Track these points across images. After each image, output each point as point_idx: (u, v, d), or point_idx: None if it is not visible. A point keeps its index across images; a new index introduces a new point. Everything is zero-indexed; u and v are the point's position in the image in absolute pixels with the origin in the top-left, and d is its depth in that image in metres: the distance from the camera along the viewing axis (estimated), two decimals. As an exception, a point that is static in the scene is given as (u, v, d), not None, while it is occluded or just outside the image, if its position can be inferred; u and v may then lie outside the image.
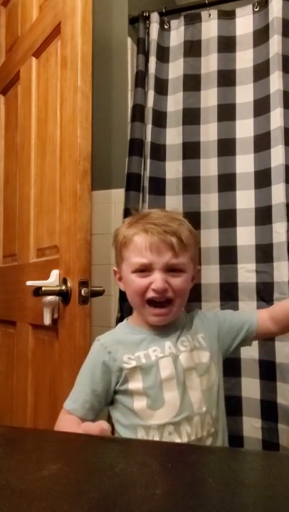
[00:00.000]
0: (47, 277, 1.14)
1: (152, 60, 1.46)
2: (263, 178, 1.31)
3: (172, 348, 0.87)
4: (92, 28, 1.15)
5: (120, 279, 0.94)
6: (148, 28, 1.50)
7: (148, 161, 1.42)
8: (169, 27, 1.52)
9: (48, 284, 1.11)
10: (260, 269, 1.29)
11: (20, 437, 0.66)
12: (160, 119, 1.47)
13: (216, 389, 0.90)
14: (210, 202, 1.38)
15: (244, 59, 1.40)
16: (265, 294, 1.28)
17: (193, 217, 1.03)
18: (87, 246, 1.08)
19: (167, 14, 1.52)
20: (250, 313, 0.99)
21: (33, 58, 1.38)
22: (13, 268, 1.45)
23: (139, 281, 0.85)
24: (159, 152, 1.45)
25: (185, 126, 1.43)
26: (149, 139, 1.43)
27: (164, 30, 1.51)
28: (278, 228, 1.26)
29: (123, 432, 0.86)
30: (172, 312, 0.87)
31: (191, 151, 1.42)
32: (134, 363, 0.85)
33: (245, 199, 1.34)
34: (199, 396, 0.85)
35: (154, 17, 1.49)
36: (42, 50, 1.33)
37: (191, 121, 1.43)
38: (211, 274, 1.34)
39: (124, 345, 0.88)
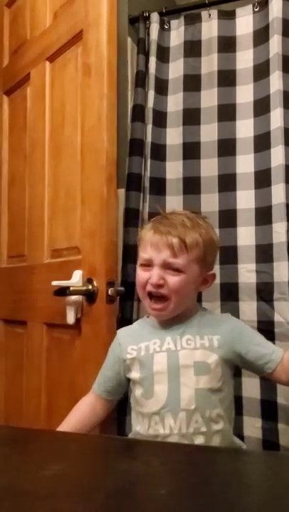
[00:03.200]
0: (63, 277, 1.16)
1: (152, 60, 1.46)
2: (263, 178, 1.31)
3: (171, 344, 0.93)
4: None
5: None
6: (148, 28, 1.49)
7: (148, 161, 1.42)
8: (169, 27, 1.52)
9: (73, 284, 1.13)
10: (261, 269, 1.29)
11: (22, 438, 0.67)
12: (160, 120, 1.47)
13: (220, 392, 0.92)
14: (210, 202, 1.38)
15: (244, 59, 1.40)
16: (265, 294, 1.28)
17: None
18: (114, 248, 1.13)
19: (167, 14, 1.51)
20: (276, 350, 0.96)
21: (47, 62, 1.39)
22: (22, 268, 1.46)
23: (141, 274, 0.95)
24: (159, 152, 1.45)
25: (185, 127, 1.43)
26: (149, 139, 1.43)
27: (164, 30, 1.51)
28: (278, 228, 1.26)
29: (132, 416, 0.99)
30: (168, 308, 0.94)
31: (191, 151, 1.42)
32: (134, 354, 0.95)
33: (245, 199, 1.34)
34: (191, 393, 0.89)
35: (154, 17, 1.48)
36: (57, 56, 1.35)
37: (192, 122, 1.43)
38: (211, 274, 1.34)
39: (131, 337, 0.99)
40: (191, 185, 1.41)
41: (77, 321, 1.16)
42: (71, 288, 1.10)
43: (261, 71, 1.36)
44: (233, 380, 1.01)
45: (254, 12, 1.40)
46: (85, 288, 1.12)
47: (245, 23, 1.41)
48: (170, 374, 0.90)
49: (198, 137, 1.42)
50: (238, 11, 1.43)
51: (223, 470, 0.53)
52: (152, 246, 0.93)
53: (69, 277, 1.16)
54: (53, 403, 1.28)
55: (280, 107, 1.28)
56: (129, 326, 1.07)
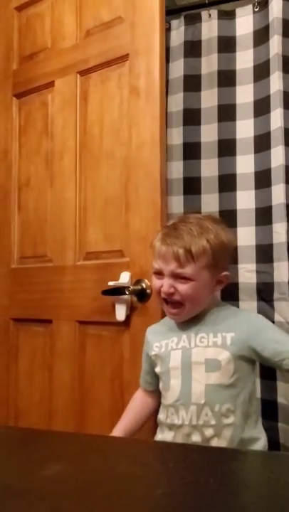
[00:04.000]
0: (101, 278, 1.27)
1: (153, 61, 1.47)
2: (263, 179, 1.32)
3: (186, 342, 1.00)
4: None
5: None
6: (148, 29, 1.50)
7: (149, 161, 1.42)
8: (169, 27, 1.52)
9: (123, 284, 1.22)
10: (261, 269, 1.30)
11: (22, 438, 0.67)
12: (161, 120, 1.47)
13: (232, 387, 0.94)
14: (210, 202, 1.38)
15: (244, 59, 1.40)
16: (265, 294, 1.28)
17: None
18: None
19: (167, 14, 1.50)
20: None
21: (78, 75, 1.45)
22: (44, 269, 1.50)
23: (155, 282, 1.02)
24: (159, 152, 1.45)
25: (185, 127, 1.44)
26: (149, 139, 1.43)
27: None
28: (278, 228, 1.26)
29: (160, 406, 1.05)
30: (184, 313, 1.00)
31: (191, 151, 1.42)
32: (157, 351, 1.04)
33: (245, 199, 1.34)
34: (201, 389, 0.95)
35: (155, 17, 1.49)
36: (91, 71, 1.42)
37: (192, 122, 1.43)
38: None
39: (156, 335, 1.07)
40: (192, 186, 1.42)
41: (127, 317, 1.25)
42: (130, 288, 1.20)
43: (261, 71, 1.36)
44: (254, 376, 1.03)
45: (254, 12, 1.41)
46: (139, 287, 1.21)
47: (245, 23, 1.41)
48: (183, 370, 0.98)
49: (198, 137, 1.43)
50: (238, 11, 1.43)
51: (221, 470, 0.53)
52: (160, 257, 0.99)
53: (109, 278, 1.25)
54: (87, 398, 1.34)
55: (280, 107, 1.28)
56: (156, 325, 1.13)
